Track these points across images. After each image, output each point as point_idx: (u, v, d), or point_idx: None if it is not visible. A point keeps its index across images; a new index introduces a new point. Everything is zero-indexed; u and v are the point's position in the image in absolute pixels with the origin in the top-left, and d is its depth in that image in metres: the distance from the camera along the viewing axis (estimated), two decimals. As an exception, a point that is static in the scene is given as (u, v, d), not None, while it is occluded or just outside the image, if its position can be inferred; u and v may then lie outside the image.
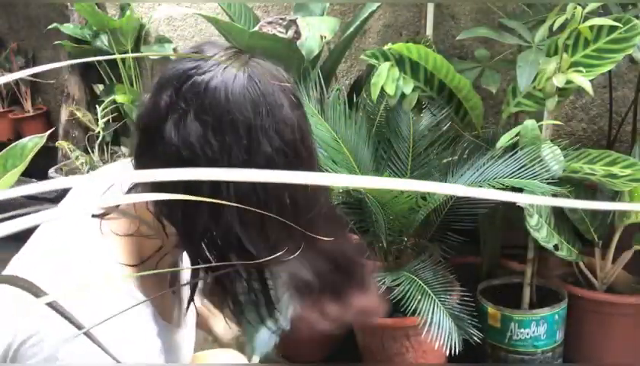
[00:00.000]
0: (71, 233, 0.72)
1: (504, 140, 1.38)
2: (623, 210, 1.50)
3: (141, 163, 0.69)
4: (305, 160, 0.68)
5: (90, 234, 0.70)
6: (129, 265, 0.71)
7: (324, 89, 1.64)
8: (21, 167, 0.74)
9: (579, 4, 1.32)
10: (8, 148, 0.76)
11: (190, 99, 0.63)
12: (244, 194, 0.63)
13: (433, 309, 1.34)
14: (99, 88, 2.84)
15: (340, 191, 1.51)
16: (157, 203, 0.67)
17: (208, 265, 0.69)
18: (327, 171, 1.50)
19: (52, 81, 3.24)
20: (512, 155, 1.37)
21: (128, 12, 2.53)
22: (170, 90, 0.65)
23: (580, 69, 1.34)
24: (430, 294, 1.38)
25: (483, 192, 0.30)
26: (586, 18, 1.31)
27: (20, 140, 0.77)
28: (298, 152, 0.67)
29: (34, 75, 3.13)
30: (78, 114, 2.79)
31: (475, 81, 1.62)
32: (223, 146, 0.63)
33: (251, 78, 0.65)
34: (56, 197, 2.41)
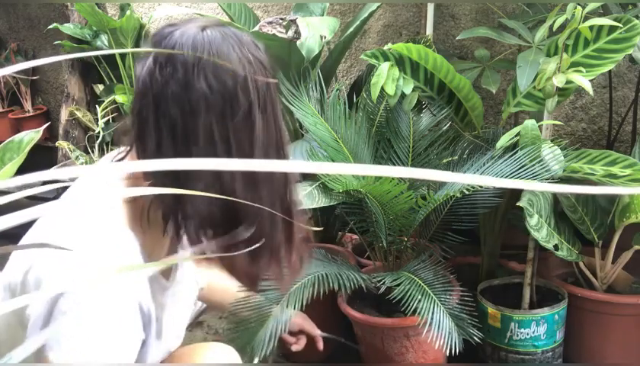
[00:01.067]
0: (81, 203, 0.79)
1: (504, 140, 1.38)
2: (623, 211, 1.50)
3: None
4: (246, 111, 0.76)
5: (100, 204, 0.80)
6: (136, 229, 0.80)
7: (324, 89, 1.64)
8: (19, 159, 0.75)
9: (579, 4, 1.32)
10: (4, 142, 0.76)
11: (154, 46, 0.78)
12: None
13: (433, 309, 1.34)
14: (99, 88, 2.84)
15: (341, 191, 1.51)
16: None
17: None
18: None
19: (35, 78, 3.24)
20: (512, 155, 1.37)
21: (128, 12, 2.53)
22: (149, 45, 0.79)
23: (580, 69, 1.34)
24: (430, 294, 1.38)
25: (486, 179, 0.30)
26: (586, 18, 1.32)
27: (17, 135, 0.77)
28: (237, 100, 0.75)
29: (33, 75, 3.13)
30: (78, 114, 2.79)
31: (475, 81, 1.63)
32: (163, 79, 0.74)
33: (204, 30, 0.76)
34: (55, 197, 2.41)
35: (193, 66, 0.74)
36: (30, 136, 0.76)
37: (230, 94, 0.75)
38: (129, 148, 0.83)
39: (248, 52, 0.77)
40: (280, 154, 0.81)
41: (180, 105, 0.74)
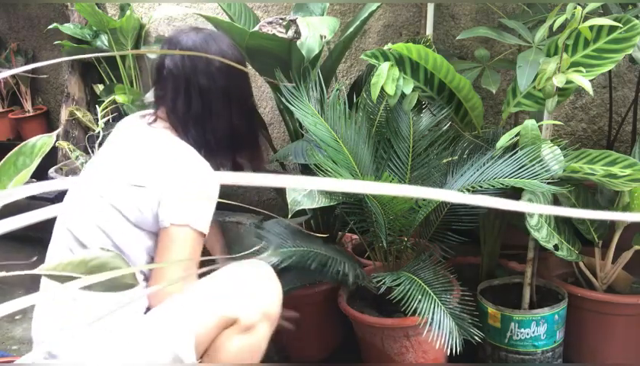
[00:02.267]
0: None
1: (504, 140, 1.38)
2: (623, 211, 1.50)
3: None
4: (240, 77, 1.37)
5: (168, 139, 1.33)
6: None
7: (324, 89, 1.64)
8: (33, 166, 0.74)
9: (579, 4, 1.32)
10: (18, 146, 0.76)
11: (173, 44, 1.34)
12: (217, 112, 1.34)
13: (434, 309, 1.34)
14: (99, 88, 2.84)
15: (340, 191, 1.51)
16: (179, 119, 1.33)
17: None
18: (327, 171, 1.50)
19: (44, 76, 3.24)
20: (512, 155, 1.37)
21: (128, 12, 2.53)
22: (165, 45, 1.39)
23: (580, 69, 1.34)
24: (430, 294, 1.38)
25: (478, 199, 0.30)
26: (586, 18, 1.32)
27: (30, 139, 0.77)
28: (234, 71, 1.32)
29: (33, 75, 3.13)
30: (78, 114, 2.79)
31: (475, 81, 1.62)
32: (192, 62, 1.28)
33: (201, 30, 1.36)
34: (56, 197, 2.41)
35: (209, 51, 1.28)
36: (43, 141, 0.76)
37: (231, 67, 1.27)
38: (156, 111, 1.35)
39: (230, 43, 1.37)
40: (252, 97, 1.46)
41: (206, 76, 1.28)
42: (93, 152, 2.65)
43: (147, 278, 1.28)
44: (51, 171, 2.60)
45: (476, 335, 1.35)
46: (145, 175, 1.28)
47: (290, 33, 1.65)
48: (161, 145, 1.29)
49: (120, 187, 1.23)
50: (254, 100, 1.43)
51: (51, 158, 2.85)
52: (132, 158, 1.29)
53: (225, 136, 1.35)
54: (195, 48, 1.29)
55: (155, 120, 1.34)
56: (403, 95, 1.50)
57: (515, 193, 1.40)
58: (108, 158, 1.34)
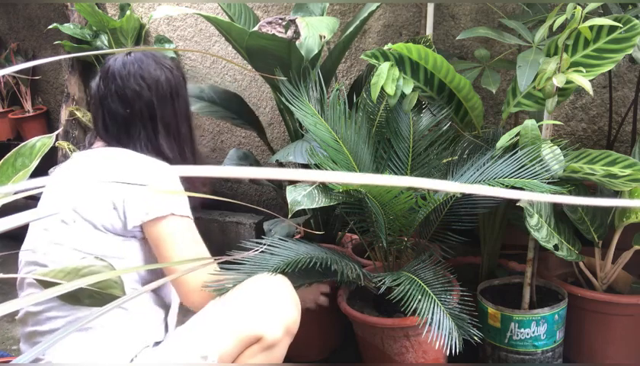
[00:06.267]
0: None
1: (504, 140, 1.38)
2: (623, 211, 1.50)
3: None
4: (167, 97, 1.34)
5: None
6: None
7: (324, 89, 1.64)
8: (31, 166, 0.74)
9: (579, 4, 1.32)
10: (17, 147, 0.76)
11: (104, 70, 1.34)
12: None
13: (433, 309, 1.34)
14: (99, 88, 2.84)
15: (341, 191, 1.51)
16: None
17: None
18: (327, 170, 1.50)
19: (38, 78, 3.24)
20: (512, 155, 1.37)
21: (128, 12, 2.53)
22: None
23: (580, 69, 1.34)
24: (430, 294, 1.38)
25: (483, 189, 0.30)
26: (586, 18, 1.32)
27: (29, 140, 0.77)
28: (158, 90, 1.32)
29: (33, 75, 3.13)
30: (78, 114, 2.79)
31: (475, 81, 1.62)
32: (106, 87, 1.32)
33: (131, 55, 1.33)
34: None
35: (129, 74, 1.30)
36: (43, 142, 0.75)
37: (155, 88, 1.31)
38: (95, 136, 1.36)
39: (162, 60, 1.35)
40: (189, 117, 1.41)
41: (119, 99, 1.30)
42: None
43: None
44: (51, 171, 2.60)
45: (476, 336, 1.35)
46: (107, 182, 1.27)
47: (290, 33, 1.65)
48: (108, 157, 1.31)
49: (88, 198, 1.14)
50: (189, 114, 1.42)
51: (51, 158, 2.85)
52: (88, 173, 1.28)
53: (157, 151, 1.33)
54: (123, 68, 1.30)
55: (93, 143, 1.36)
56: (403, 95, 1.50)
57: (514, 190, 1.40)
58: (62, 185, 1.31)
